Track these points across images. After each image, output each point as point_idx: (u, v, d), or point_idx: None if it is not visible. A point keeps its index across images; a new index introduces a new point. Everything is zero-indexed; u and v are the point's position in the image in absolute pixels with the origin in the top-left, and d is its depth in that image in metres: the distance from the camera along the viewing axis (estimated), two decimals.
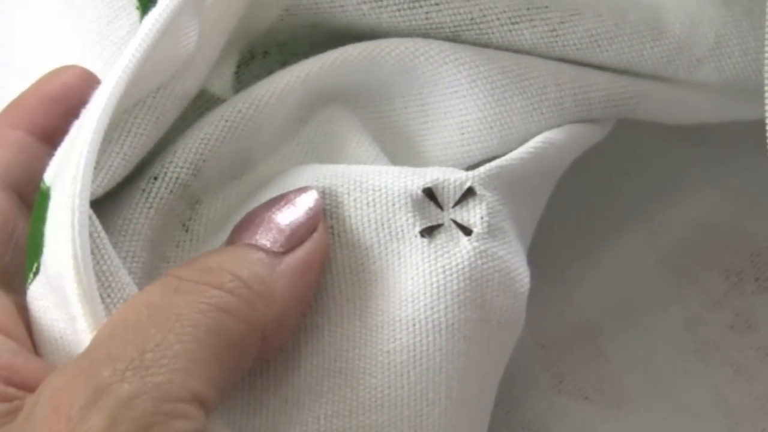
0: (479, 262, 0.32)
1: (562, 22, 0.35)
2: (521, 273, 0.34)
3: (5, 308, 0.31)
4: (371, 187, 0.33)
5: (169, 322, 0.28)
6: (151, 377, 0.26)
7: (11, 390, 0.28)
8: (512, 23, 0.35)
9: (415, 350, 0.31)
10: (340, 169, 0.33)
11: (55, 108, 0.33)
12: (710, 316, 0.43)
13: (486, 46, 0.36)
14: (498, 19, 0.35)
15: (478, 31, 0.35)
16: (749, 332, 0.43)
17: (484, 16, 0.35)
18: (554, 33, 0.35)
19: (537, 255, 0.36)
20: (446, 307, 0.32)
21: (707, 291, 0.43)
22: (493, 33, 0.35)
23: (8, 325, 0.30)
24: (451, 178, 0.33)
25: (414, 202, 0.33)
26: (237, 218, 0.33)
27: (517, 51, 0.36)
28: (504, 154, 0.36)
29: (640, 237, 0.45)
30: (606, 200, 0.45)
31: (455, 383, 0.32)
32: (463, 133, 0.36)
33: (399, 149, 0.37)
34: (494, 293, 0.33)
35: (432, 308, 0.32)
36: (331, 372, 0.31)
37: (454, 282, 0.32)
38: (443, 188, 0.33)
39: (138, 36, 0.31)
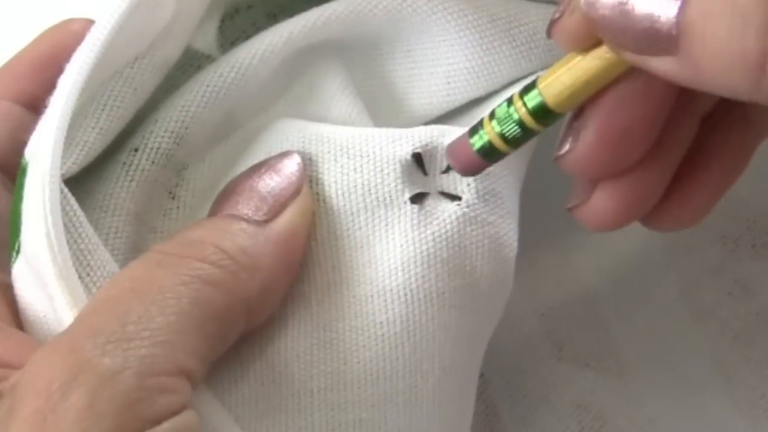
0: (468, 229, 0.31)
1: None
2: (511, 237, 0.33)
3: None
4: (359, 152, 0.31)
5: (152, 294, 0.26)
6: (133, 350, 0.25)
7: None
8: None
9: (408, 321, 0.30)
10: (326, 132, 0.32)
11: (44, 73, 0.32)
12: (708, 282, 0.42)
13: None
14: None
15: None
16: (747, 298, 0.42)
17: None
18: None
19: (535, 223, 0.35)
20: (437, 276, 0.31)
21: (704, 258, 0.42)
22: None
23: None
24: (439, 141, 0.32)
25: (403, 168, 0.31)
26: (224, 181, 0.31)
27: None
28: (488, 97, 0.35)
29: None
30: None
31: (447, 352, 0.31)
32: (449, 83, 0.35)
33: (384, 96, 0.36)
34: (484, 260, 0.32)
35: (423, 277, 0.30)
36: (322, 342, 0.30)
37: (444, 250, 0.31)
38: (432, 155, 0.32)
39: (110, 6, 0.29)
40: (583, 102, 0.29)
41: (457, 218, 0.31)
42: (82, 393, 0.24)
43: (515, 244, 0.33)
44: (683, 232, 0.37)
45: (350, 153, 0.31)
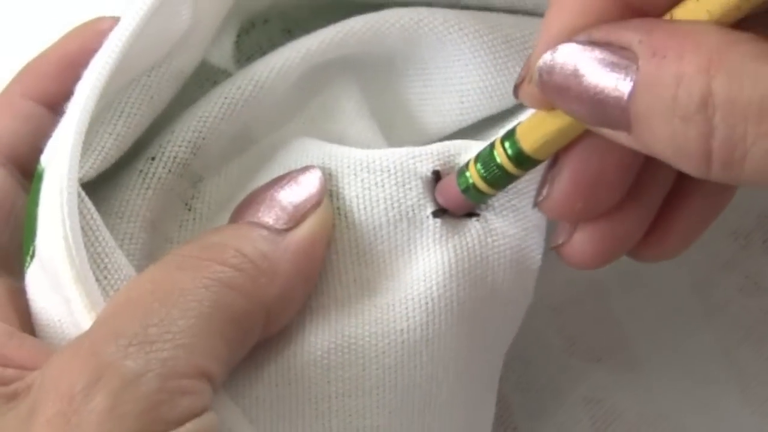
0: (489, 240, 0.31)
1: None
2: (534, 250, 0.33)
3: None
4: (380, 168, 0.31)
5: (173, 297, 0.26)
6: (155, 353, 0.25)
7: (9, 371, 0.27)
8: None
9: (428, 329, 0.30)
10: (345, 150, 0.32)
11: (70, 74, 0.31)
12: (719, 278, 0.42)
13: (488, 7, 0.35)
14: None
15: None
16: (758, 294, 0.42)
17: None
18: None
19: (546, 219, 0.36)
20: (458, 286, 0.31)
21: (715, 253, 0.42)
22: None
23: None
24: (456, 161, 0.32)
25: (424, 184, 0.31)
26: (240, 195, 0.31)
27: (521, 11, 0.35)
28: (500, 116, 0.35)
29: None
30: None
31: (463, 361, 0.31)
32: (462, 102, 0.35)
33: (397, 113, 0.36)
34: (505, 272, 0.32)
35: (444, 287, 0.30)
36: (340, 347, 0.30)
37: (466, 261, 0.31)
38: (450, 173, 0.32)
39: (127, 15, 0.29)
40: (559, 149, 0.29)
41: (477, 231, 0.31)
42: (104, 395, 0.24)
43: (539, 256, 0.33)
44: None
45: (371, 168, 0.31)
